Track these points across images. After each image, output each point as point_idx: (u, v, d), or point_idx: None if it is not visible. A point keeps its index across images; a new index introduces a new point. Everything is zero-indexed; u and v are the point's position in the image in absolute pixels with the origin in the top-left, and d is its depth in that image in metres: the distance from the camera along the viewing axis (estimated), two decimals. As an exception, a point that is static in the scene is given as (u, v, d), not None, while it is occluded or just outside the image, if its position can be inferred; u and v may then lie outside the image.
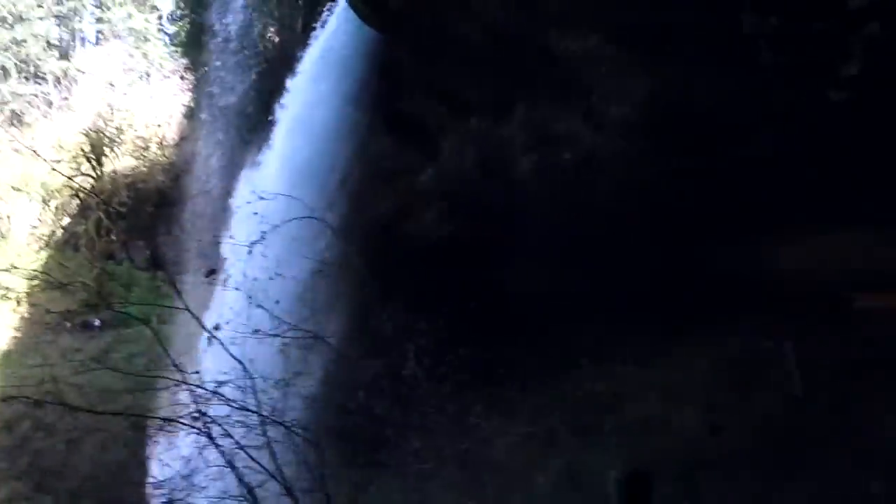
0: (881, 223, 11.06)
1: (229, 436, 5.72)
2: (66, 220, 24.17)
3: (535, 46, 8.37)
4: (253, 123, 15.56)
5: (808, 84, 6.05)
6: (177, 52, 22.97)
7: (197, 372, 6.19)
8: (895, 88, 6.17)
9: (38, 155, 21.37)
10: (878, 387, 11.35)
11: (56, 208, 23.97)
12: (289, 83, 14.09)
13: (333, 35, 13.50)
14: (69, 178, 22.98)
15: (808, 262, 12.35)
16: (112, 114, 23.49)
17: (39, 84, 25.69)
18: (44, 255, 23.68)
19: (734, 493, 11.36)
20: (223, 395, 5.84)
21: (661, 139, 9.19)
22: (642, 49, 6.83)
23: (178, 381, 6.02)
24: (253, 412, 5.88)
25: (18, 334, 21.52)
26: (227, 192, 16.17)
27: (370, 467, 10.59)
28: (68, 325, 21.50)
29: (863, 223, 11.34)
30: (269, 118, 14.37)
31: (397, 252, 19.24)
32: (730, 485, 11.54)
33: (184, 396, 5.98)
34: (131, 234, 24.63)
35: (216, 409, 5.86)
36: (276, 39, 15.35)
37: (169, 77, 23.07)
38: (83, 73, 24.79)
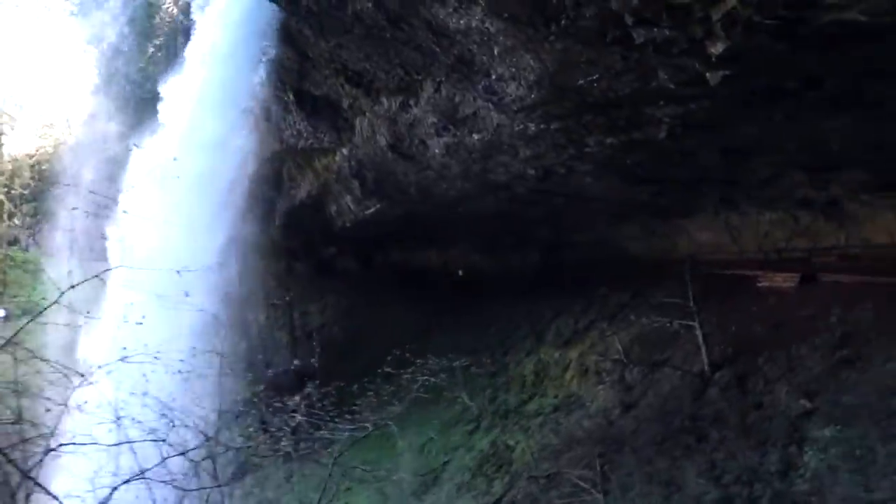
0: (781, 207, 11.32)
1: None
2: (-39, 204, 22.55)
3: (424, 21, 8.03)
4: (152, 99, 14.70)
5: (684, 64, 5.93)
6: (78, 23, 21.54)
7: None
8: (771, 71, 6.12)
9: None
10: (777, 363, 11.70)
11: (-49, 191, 22.32)
12: (186, 58, 13.29)
13: (231, 6, 12.79)
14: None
15: (713, 244, 12.59)
16: (11, 88, 21.93)
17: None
18: (-61, 240, 22.01)
19: (639, 469, 11.58)
20: None
21: (561, 120, 9.01)
22: (526, 25, 6.59)
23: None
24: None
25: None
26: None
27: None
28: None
29: (765, 207, 11.57)
30: (165, 95, 13.55)
31: (317, 232, 18.76)
32: (636, 462, 11.76)
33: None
34: (37, 219, 23.25)
35: None
36: (173, 10, 14.50)
37: (72, 49, 21.65)
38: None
